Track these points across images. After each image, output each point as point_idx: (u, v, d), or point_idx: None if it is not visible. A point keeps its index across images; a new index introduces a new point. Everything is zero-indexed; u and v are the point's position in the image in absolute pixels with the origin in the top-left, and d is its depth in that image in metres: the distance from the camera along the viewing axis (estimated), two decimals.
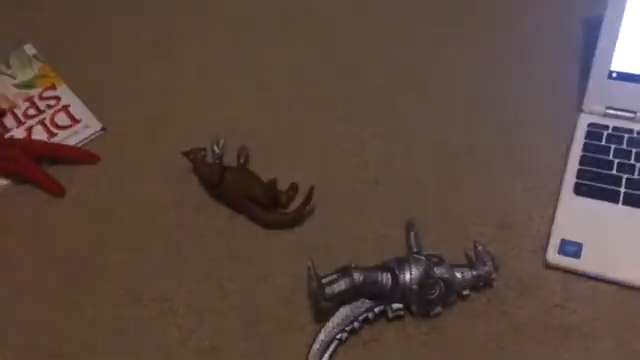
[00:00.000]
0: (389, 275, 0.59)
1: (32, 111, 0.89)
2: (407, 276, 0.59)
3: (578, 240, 0.64)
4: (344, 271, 0.59)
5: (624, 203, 0.66)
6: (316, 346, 0.59)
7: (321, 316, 0.61)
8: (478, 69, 0.85)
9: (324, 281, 0.59)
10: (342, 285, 0.58)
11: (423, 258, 0.60)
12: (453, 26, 0.92)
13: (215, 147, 0.71)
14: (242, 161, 0.75)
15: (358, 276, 0.58)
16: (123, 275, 0.70)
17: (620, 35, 0.72)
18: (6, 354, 0.65)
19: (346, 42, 0.92)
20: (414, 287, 0.59)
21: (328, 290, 0.58)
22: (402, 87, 0.85)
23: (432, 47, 0.89)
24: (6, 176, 0.80)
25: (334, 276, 0.59)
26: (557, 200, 0.68)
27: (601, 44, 0.73)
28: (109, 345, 0.64)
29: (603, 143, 0.72)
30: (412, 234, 0.65)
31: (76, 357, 0.64)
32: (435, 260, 0.60)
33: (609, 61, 0.73)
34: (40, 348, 0.65)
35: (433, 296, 0.58)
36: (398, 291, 0.59)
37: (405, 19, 0.94)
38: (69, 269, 0.71)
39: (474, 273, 0.61)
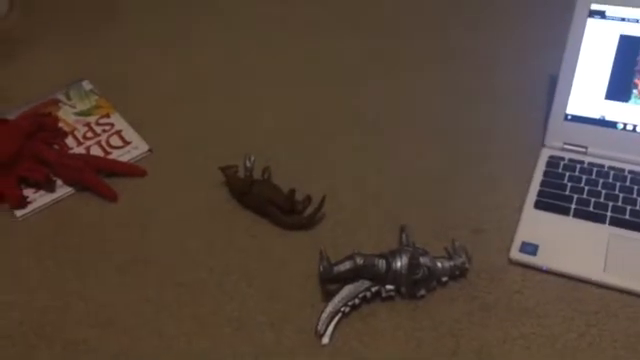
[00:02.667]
0: (384, 261, 0.75)
1: (90, 134, 1.07)
2: (398, 263, 0.75)
3: (535, 242, 0.80)
4: (349, 256, 0.75)
5: (573, 216, 0.83)
6: (324, 315, 0.74)
7: (328, 295, 0.77)
8: (466, 112, 1.03)
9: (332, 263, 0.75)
10: (347, 265, 0.74)
11: (411, 248, 0.76)
12: (439, 76, 1.11)
13: (247, 162, 0.88)
14: (266, 176, 0.92)
15: (360, 260, 0.74)
16: (165, 264, 0.86)
17: (573, 87, 0.90)
18: (69, 322, 0.80)
19: (352, 86, 1.11)
20: (404, 272, 0.75)
21: (335, 269, 0.74)
22: (398, 123, 1.03)
23: (423, 94, 1.08)
24: (71, 184, 0.97)
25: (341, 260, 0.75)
26: (521, 213, 0.84)
27: (558, 93, 0.91)
28: (154, 315, 0.79)
29: (560, 171, 0.89)
30: (404, 234, 0.81)
31: (128, 326, 0.79)
32: (421, 251, 0.76)
33: (565, 106, 0.91)
34: (98, 318, 0.80)
35: (418, 276, 0.74)
36: (390, 274, 0.75)
37: (400, 66, 1.14)
38: (121, 259, 0.87)
39: (452, 263, 0.77)
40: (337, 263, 0.75)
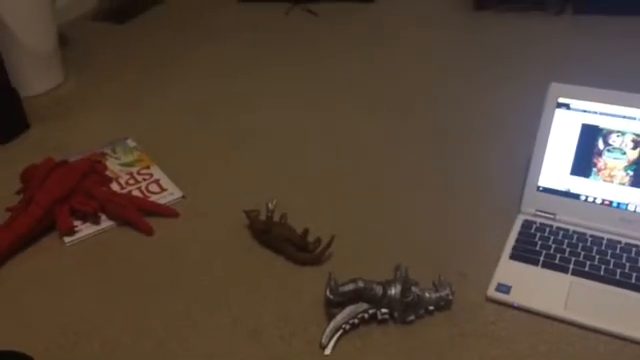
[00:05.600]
0: (381, 287, 0.90)
1: (132, 181, 1.24)
2: (393, 290, 0.89)
3: (509, 284, 0.95)
4: (352, 280, 0.90)
5: (542, 266, 0.98)
6: (328, 330, 0.88)
7: (332, 316, 0.90)
8: (459, 182, 1.21)
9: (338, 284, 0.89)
10: (350, 287, 0.88)
11: (404, 277, 0.91)
12: (439, 151, 1.30)
13: (269, 204, 1.04)
14: (283, 221, 1.08)
15: (361, 283, 0.89)
16: (192, 286, 1.00)
17: (544, 164, 1.08)
18: (106, 326, 0.93)
19: (361, 153, 1.30)
20: (397, 297, 0.89)
21: (340, 288, 0.88)
22: (399, 185, 1.20)
23: (424, 163, 1.26)
24: (114, 218, 1.13)
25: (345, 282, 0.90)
26: (498, 262, 0.99)
27: (532, 169, 1.09)
28: (180, 324, 0.93)
29: (532, 231, 1.05)
30: (398, 272, 0.96)
31: (156, 331, 0.92)
32: (412, 281, 0.91)
33: (537, 180, 1.08)
34: (131, 324, 0.93)
35: (409, 299, 0.88)
36: (386, 299, 0.89)
37: (401, 138, 1.33)
38: (153, 279, 1.01)
39: (437, 295, 0.91)
40: (342, 284, 0.89)
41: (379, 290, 0.90)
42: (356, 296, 0.89)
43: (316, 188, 1.21)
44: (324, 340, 0.87)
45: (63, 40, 1.76)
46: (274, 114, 1.48)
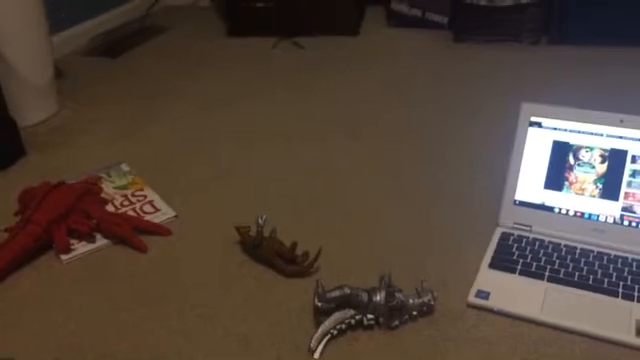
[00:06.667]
0: (366, 294, 0.94)
1: (126, 202, 1.28)
2: (378, 296, 0.94)
3: (488, 290, 1.00)
4: (339, 286, 0.94)
5: (519, 274, 1.03)
6: (316, 335, 0.92)
7: (320, 321, 0.94)
8: (443, 201, 1.27)
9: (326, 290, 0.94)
10: (336, 293, 0.93)
11: (387, 282, 0.95)
12: (423, 176, 1.36)
13: (260, 220, 1.09)
14: (273, 235, 1.13)
15: (347, 289, 0.93)
16: (185, 301, 1.04)
17: (519, 179, 1.14)
18: (101, 340, 0.97)
19: (344, 178, 1.35)
20: (382, 302, 0.93)
21: (327, 295, 0.93)
22: (385, 205, 1.25)
23: (409, 186, 1.32)
24: (109, 236, 1.17)
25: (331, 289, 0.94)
26: (478, 270, 1.04)
27: (508, 184, 1.15)
28: (174, 337, 0.96)
29: (510, 243, 1.10)
30: (383, 281, 1.01)
31: (151, 345, 0.95)
32: (396, 288, 0.96)
33: (514, 194, 1.14)
34: (126, 339, 0.97)
35: (393, 303, 0.92)
36: (371, 305, 0.94)
37: (388, 166, 1.39)
38: (148, 295, 1.05)
39: (420, 300, 0.96)
40: (329, 290, 0.93)
41: (365, 296, 0.94)
42: (343, 302, 0.94)
43: (304, 206, 1.26)
44: (313, 344, 0.91)
45: (57, 73, 1.81)
46: (262, 139, 1.54)
